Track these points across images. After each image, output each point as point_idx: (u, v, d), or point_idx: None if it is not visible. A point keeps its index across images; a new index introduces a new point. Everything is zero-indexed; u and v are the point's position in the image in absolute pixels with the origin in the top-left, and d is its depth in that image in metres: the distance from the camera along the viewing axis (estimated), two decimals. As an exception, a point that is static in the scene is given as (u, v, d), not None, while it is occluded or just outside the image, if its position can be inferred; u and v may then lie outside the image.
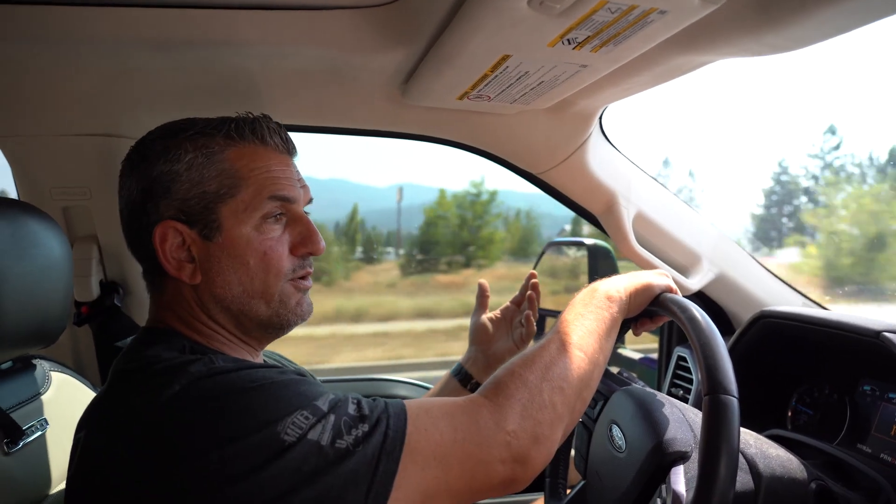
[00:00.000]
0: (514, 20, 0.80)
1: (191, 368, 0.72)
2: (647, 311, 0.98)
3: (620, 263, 1.78)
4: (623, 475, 0.91)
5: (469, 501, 0.76)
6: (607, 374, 1.12)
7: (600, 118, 1.38)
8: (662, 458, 0.86)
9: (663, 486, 0.84)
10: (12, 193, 1.34)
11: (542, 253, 2.03)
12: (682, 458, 0.86)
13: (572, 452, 1.19)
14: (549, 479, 1.17)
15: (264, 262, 0.84)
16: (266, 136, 0.87)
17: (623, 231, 1.44)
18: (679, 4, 0.75)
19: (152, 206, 0.83)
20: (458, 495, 0.74)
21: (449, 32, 0.91)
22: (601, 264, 1.74)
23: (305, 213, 0.92)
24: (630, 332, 1.06)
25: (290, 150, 0.92)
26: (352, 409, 0.73)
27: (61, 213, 1.34)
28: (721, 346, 0.80)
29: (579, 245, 1.86)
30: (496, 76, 1.01)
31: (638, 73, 1.04)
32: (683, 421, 0.90)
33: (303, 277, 0.89)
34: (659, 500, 0.84)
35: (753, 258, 1.56)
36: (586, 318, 0.89)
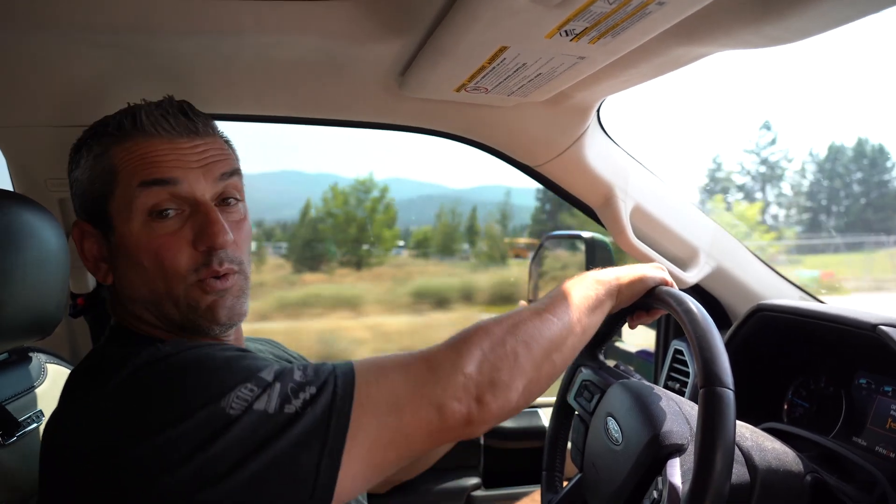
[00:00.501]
0: (511, 11, 0.79)
1: (136, 357, 0.73)
2: (643, 303, 0.98)
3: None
4: (619, 468, 0.92)
5: (429, 446, 0.75)
6: (604, 367, 1.12)
7: (598, 111, 1.38)
8: (659, 451, 0.86)
9: (659, 479, 0.85)
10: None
11: (541, 246, 2.03)
12: (678, 450, 0.86)
13: (569, 445, 1.19)
14: (546, 472, 1.18)
15: (157, 263, 0.79)
16: (149, 124, 0.81)
17: (620, 224, 1.43)
18: None
19: (75, 207, 0.88)
20: (416, 441, 0.74)
21: (446, 23, 0.91)
22: (599, 257, 1.73)
23: (239, 203, 0.87)
24: (626, 325, 1.06)
25: (189, 130, 0.83)
26: (298, 375, 0.73)
27: (57, 204, 1.33)
28: (717, 338, 0.80)
29: (577, 238, 1.86)
30: (493, 68, 1.00)
31: (636, 65, 1.03)
32: (680, 414, 0.91)
33: (212, 277, 0.81)
34: (655, 493, 0.85)
35: (751, 252, 1.56)
36: (569, 294, 0.90)
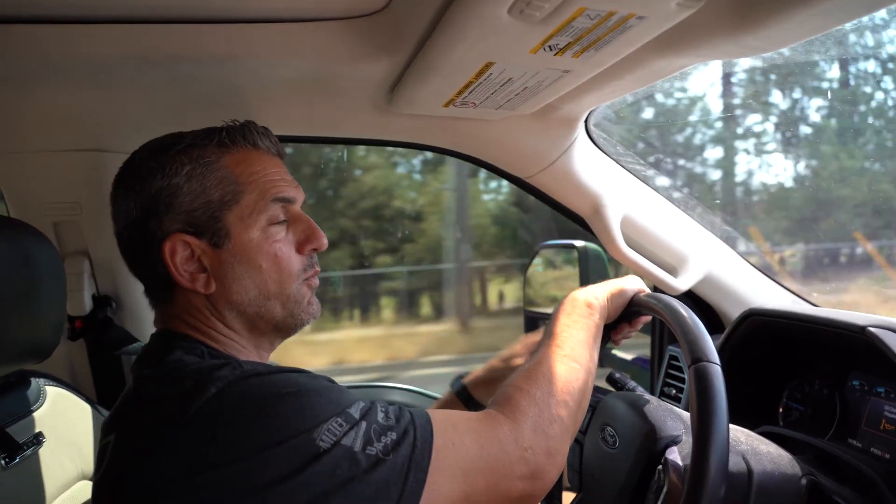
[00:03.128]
0: (495, 28, 0.81)
1: (221, 372, 0.72)
2: (624, 315, 1.02)
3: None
4: (619, 467, 0.94)
5: None
6: None
7: (586, 122, 1.39)
8: (656, 444, 0.90)
9: (659, 468, 0.87)
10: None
11: (535, 255, 2.04)
12: (674, 441, 0.90)
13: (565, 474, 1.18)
14: (545, 502, 1.16)
15: (276, 265, 0.85)
16: (257, 140, 0.89)
17: (611, 233, 1.45)
18: (656, 10, 0.76)
19: (155, 223, 0.83)
20: None
21: (433, 41, 0.92)
22: (592, 266, 1.74)
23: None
24: (611, 341, 1.09)
25: (280, 152, 0.94)
26: (381, 417, 0.74)
27: (52, 228, 1.34)
28: (698, 322, 0.86)
29: (570, 248, 1.87)
30: (480, 83, 1.02)
31: (620, 77, 1.05)
32: (672, 412, 0.95)
33: (314, 276, 0.91)
34: (657, 479, 0.87)
35: (742, 257, 1.57)
36: (573, 329, 0.93)
